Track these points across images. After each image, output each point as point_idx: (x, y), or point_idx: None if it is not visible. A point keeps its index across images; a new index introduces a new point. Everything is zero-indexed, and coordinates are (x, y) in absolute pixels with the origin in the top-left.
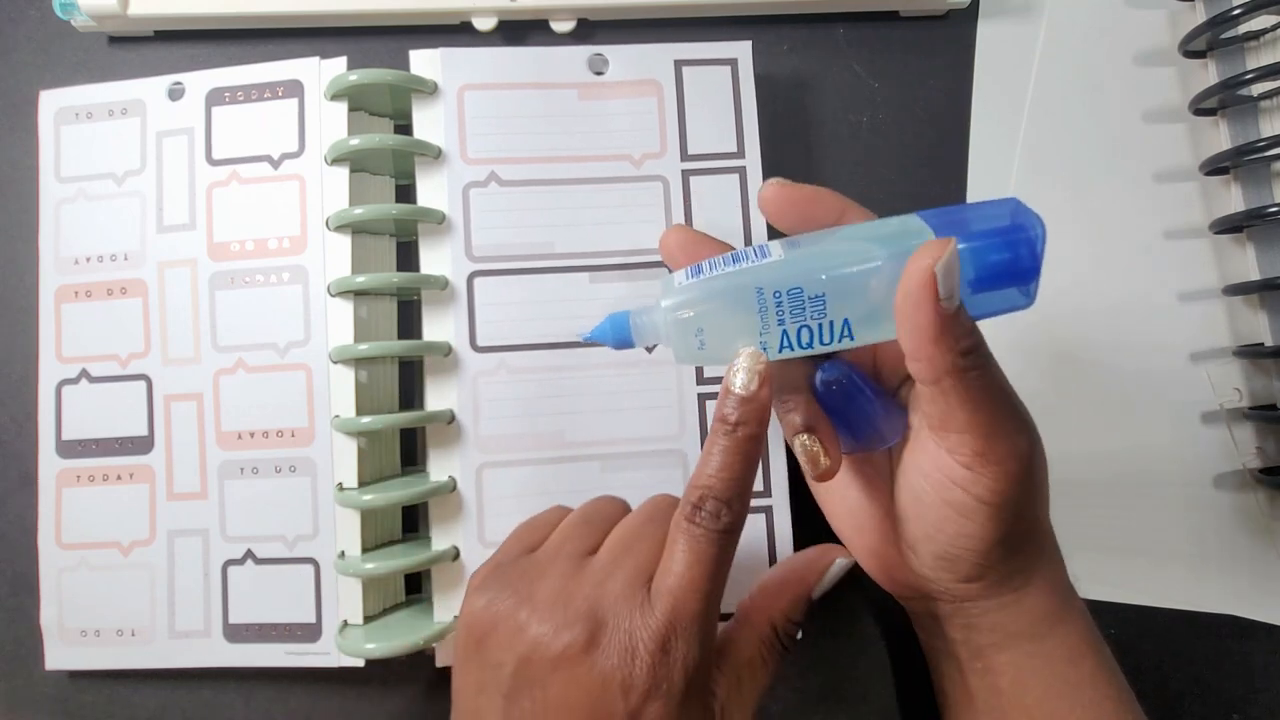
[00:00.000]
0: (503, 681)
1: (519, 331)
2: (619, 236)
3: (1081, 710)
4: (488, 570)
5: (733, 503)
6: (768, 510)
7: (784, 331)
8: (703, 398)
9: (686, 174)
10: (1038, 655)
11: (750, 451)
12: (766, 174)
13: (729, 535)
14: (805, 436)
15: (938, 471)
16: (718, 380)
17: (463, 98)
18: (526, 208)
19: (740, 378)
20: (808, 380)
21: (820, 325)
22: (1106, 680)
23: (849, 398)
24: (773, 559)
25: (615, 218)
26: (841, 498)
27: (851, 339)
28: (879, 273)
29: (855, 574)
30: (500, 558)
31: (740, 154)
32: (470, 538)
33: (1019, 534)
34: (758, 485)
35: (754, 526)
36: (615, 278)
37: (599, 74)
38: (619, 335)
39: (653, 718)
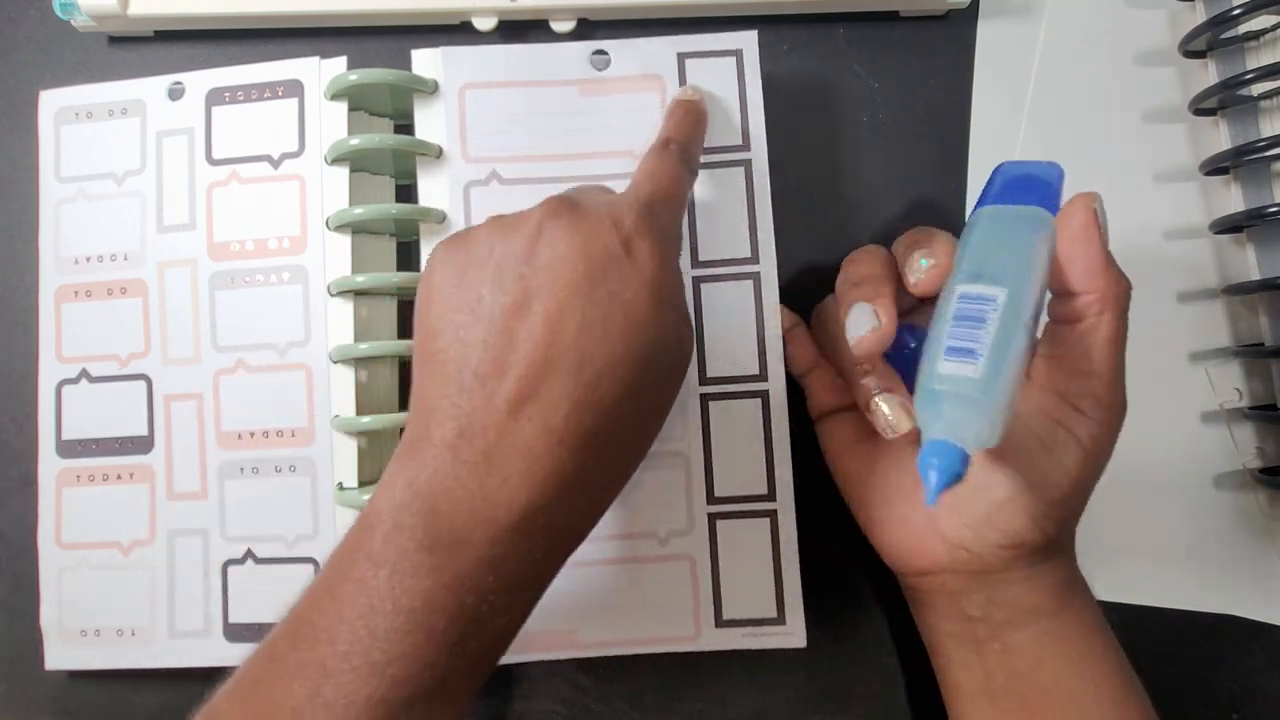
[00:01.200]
0: (487, 295)
1: None
2: None
3: (1096, 687)
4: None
5: (689, 146)
6: (772, 514)
7: (1031, 336)
8: (705, 398)
9: None
10: (1054, 631)
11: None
12: (773, 168)
13: (688, 166)
14: (882, 398)
15: (1039, 411)
16: (718, 380)
17: (463, 97)
18: (528, 206)
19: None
20: None
21: (1037, 315)
22: (1116, 657)
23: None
24: (777, 563)
25: None
26: (873, 468)
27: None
28: (1047, 248)
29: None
30: None
31: (745, 147)
32: None
33: (1082, 495)
34: (762, 489)
35: (758, 530)
36: None
37: (601, 70)
38: (959, 464)
39: (644, 243)
